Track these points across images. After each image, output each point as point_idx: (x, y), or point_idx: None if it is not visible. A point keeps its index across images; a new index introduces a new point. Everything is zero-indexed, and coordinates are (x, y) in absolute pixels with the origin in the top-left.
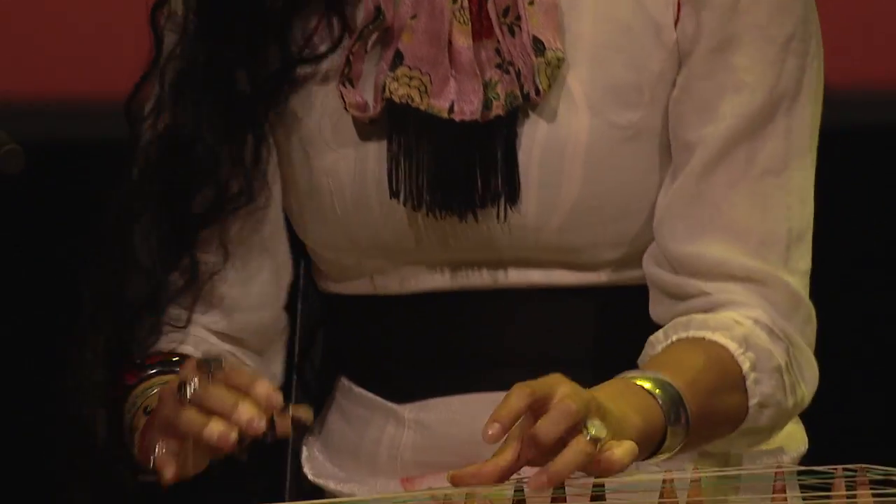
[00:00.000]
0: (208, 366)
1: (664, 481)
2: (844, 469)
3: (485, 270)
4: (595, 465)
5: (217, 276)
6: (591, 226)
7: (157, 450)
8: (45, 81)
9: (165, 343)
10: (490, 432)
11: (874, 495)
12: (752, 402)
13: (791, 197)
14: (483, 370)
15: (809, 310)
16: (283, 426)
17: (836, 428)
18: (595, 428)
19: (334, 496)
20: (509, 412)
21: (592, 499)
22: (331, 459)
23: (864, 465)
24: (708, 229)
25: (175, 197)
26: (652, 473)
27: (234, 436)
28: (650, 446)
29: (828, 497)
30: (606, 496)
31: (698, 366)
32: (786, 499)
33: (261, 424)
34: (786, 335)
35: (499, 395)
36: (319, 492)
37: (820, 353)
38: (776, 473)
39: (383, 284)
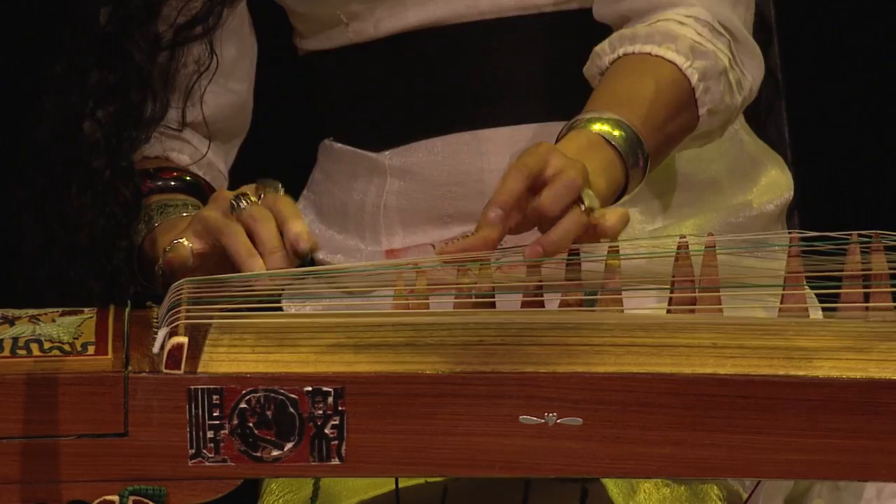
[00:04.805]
0: (263, 188)
1: (678, 247)
2: (860, 235)
3: None
4: (591, 233)
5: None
6: None
7: (182, 243)
8: None
9: (161, 148)
10: (491, 215)
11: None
12: (703, 110)
13: None
14: (460, 108)
15: None
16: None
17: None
18: (588, 199)
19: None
20: (510, 195)
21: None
22: (321, 220)
23: (879, 231)
24: None
25: None
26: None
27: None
28: (614, 199)
29: (842, 262)
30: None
31: (650, 95)
32: (801, 263)
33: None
34: (727, 28)
35: (477, 134)
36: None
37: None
38: (791, 239)
39: (358, 30)
